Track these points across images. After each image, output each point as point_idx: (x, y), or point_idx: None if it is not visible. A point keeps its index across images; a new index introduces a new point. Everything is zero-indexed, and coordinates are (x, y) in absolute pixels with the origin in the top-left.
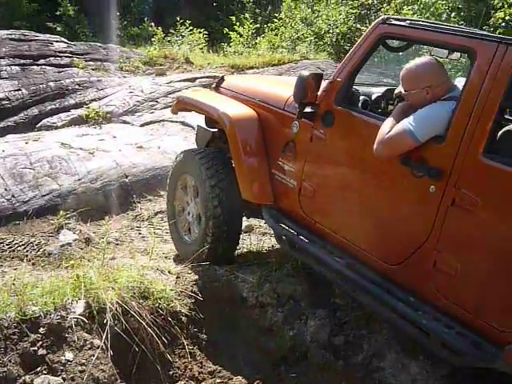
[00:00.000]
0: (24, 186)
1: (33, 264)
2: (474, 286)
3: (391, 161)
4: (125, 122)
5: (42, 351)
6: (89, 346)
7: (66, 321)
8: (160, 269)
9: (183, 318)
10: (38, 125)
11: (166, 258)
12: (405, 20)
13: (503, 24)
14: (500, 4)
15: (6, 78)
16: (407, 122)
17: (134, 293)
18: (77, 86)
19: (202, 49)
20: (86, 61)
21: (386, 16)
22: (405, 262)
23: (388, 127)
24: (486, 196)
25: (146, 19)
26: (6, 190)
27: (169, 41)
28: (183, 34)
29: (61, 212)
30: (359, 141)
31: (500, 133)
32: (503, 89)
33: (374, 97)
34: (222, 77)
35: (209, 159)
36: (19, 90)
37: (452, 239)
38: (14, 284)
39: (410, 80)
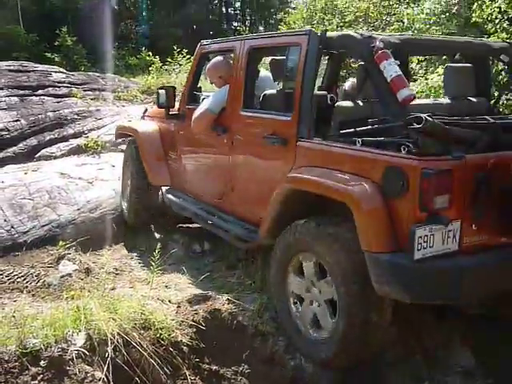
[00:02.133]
0: (23, 217)
1: (32, 295)
2: (251, 195)
3: (208, 132)
4: (123, 151)
5: None
6: (90, 378)
7: (67, 353)
8: (160, 298)
9: (184, 348)
10: (37, 155)
11: (166, 287)
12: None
13: None
14: (493, 29)
15: (4, 108)
16: (206, 103)
17: (135, 323)
18: (75, 116)
19: None
20: (84, 91)
21: (202, 41)
22: (223, 194)
23: (197, 111)
24: (245, 135)
25: (143, 49)
26: (5, 220)
27: (166, 69)
28: (180, 62)
29: (60, 242)
30: None
31: (262, 94)
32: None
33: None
34: (146, 109)
35: None
36: (18, 120)
37: (235, 168)
38: (14, 316)
39: (211, 70)
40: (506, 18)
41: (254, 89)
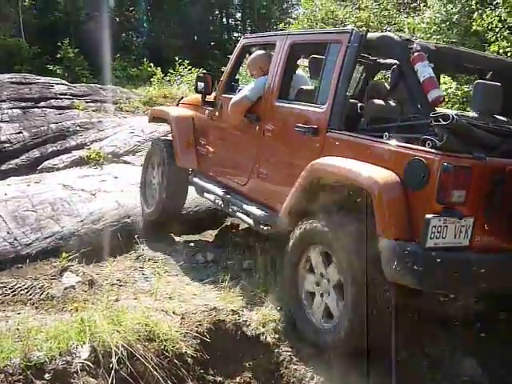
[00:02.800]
0: (26, 229)
1: (36, 308)
2: (277, 182)
3: (242, 118)
4: (126, 162)
5: None
6: None
7: (72, 366)
8: (165, 310)
9: (189, 360)
10: (40, 167)
11: (170, 298)
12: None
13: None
14: (493, 38)
15: (7, 121)
16: (245, 90)
17: (140, 335)
18: (77, 128)
19: None
20: (86, 102)
21: (245, 34)
22: (248, 180)
23: (236, 96)
24: (277, 124)
25: (145, 60)
26: (8, 233)
27: (168, 80)
28: (182, 73)
29: (63, 254)
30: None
31: (298, 88)
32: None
33: None
34: (182, 97)
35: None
36: (20, 132)
37: (264, 156)
38: (17, 329)
39: (251, 62)
40: (506, 26)
41: (290, 82)
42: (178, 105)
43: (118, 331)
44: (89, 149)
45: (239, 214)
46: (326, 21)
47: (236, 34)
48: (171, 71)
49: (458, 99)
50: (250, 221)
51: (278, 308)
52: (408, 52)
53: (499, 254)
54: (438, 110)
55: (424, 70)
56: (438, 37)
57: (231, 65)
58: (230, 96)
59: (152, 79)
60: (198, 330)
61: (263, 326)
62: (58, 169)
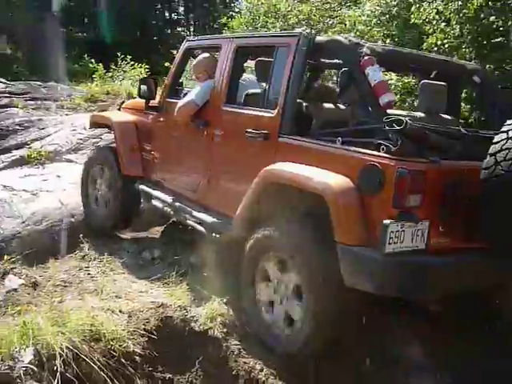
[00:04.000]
0: None
1: None
2: (228, 188)
3: (187, 123)
4: (69, 161)
5: None
6: None
7: (14, 371)
8: (111, 309)
9: (137, 358)
10: None
11: (116, 296)
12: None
13: (435, 48)
14: (431, 30)
15: None
16: (191, 94)
17: (85, 336)
18: (17, 127)
19: None
20: (25, 100)
21: (188, 37)
22: (198, 187)
23: (182, 100)
24: (226, 129)
25: (86, 56)
26: None
27: (111, 76)
28: (124, 69)
29: (5, 257)
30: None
31: (245, 92)
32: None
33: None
34: (123, 101)
35: None
36: None
37: (213, 162)
38: None
39: (196, 65)
40: (442, 19)
41: (237, 86)
42: (119, 109)
43: (62, 333)
44: (29, 148)
45: (190, 222)
46: (268, 14)
47: (179, 29)
48: (113, 67)
49: (398, 90)
50: (202, 228)
51: (225, 302)
52: (358, 56)
53: (455, 255)
54: (391, 113)
55: (374, 74)
56: (379, 29)
57: (175, 68)
58: (175, 100)
59: (94, 76)
60: (145, 328)
61: (211, 321)
62: None
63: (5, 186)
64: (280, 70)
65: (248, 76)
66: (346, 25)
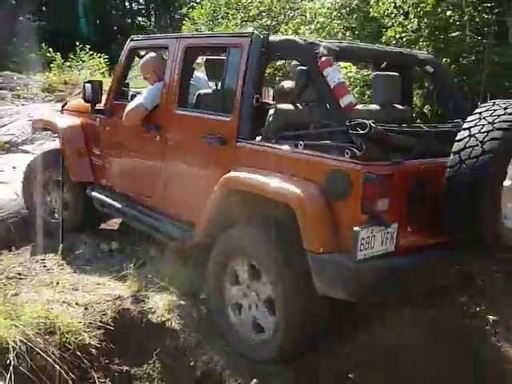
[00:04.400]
0: None
1: None
2: (186, 195)
3: (138, 126)
4: (24, 152)
5: None
6: None
7: None
8: (67, 301)
9: (93, 351)
10: None
11: (73, 289)
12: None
13: (394, 42)
14: (390, 23)
15: None
16: (140, 98)
17: (40, 329)
18: None
19: (103, 73)
20: None
21: (132, 36)
22: (154, 192)
23: (131, 104)
24: (180, 134)
25: (43, 44)
26: None
27: (69, 66)
28: (83, 58)
29: None
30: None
31: (197, 93)
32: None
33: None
34: (65, 102)
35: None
36: None
37: (168, 167)
38: None
39: (144, 66)
40: (401, 12)
41: (188, 88)
42: (62, 111)
43: (15, 326)
44: None
45: (148, 230)
46: (229, 5)
47: (140, 19)
48: (72, 56)
49: (358, 83)
50: (162, 236)
51: (183, 294)
52: (314, 56)
53: (424, 252)
54: (350, 115)
55: (333, 76)
56: (339, 22)
57: (120, 69)
58: (122, 103)
59: (52, 65)
60: (101, 320)
61: (169, 313)
62: None
63: None
64: (233, 73)
65: (197, 74)
66: (306, 17)
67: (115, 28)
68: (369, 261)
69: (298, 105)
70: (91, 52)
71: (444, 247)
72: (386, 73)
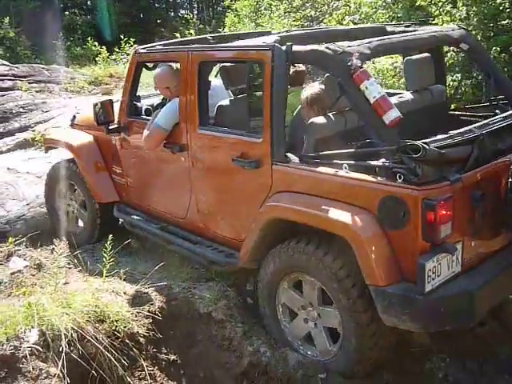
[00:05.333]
0: None
1: None
2: (221, 218)
3: (160, 149)
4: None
5: None
6: (45, 375)
7: (20, 351)
8: (115, 291)
9: (141, 339)
10: None
11: (120, 279)
12: (150, 48)
13: None
14: (437, 12)
15: None
16: (156, 120)
17: (90, 317)
18: (21, 109)
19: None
20: (29, 83)
21: (136, 48)
22: (187, 214)
23: (148, 127)
24: (207, 155)
25: (89, 38)
26: None
27: (114, 59)
28: (128, 51)
29: (10, 239)
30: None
31: (217, 106)
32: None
33: (155, 105)
34: (74, 116)
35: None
36: None
37: (199, 189)
38: None
39: (156, 81)
40: (449, 0)
41: (208, 104)
42: (71, 126)
43: (67, 314)
44: (33, 131)
45: (186, 253)
46: None
47: (182, 11)
48: (117, 50)
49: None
50: (201, 260)
51: (230, 285)
52: (347, 67)
53: (489, 264)
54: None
55: (373, 90)
56: (384, 11)
57: (129, 84)
58: (137, 120)
59: (97, 58)
60: (149, 309)
61: (215, 303)
62: (1, 152)
63: (9, 169)
64: (257, 90)
65: (214, 83)
66: (350, 7)
67: (158, 21)
68: (438, 290)
69: (331, 115)
70: (135, 45)
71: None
72: (417, 57)
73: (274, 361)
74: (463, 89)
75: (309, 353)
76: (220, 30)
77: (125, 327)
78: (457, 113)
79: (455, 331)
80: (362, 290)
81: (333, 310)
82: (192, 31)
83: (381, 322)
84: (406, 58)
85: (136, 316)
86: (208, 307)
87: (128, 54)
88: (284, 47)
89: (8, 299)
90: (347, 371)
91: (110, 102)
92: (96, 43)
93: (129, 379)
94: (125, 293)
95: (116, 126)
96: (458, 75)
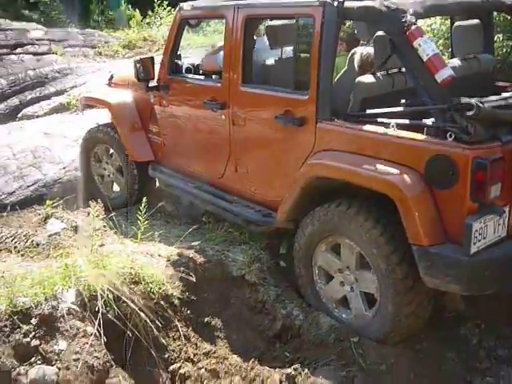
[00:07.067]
0: (8, 178)
1: (22, 255)
2: (260, 177)
3: (200, 104)
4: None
5: (35, 342)
6: (82, 333)
7: (58, 310)
8: (150, 253)
9: (175, 301)
10: (19, 115)
11: (155, 241)
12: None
13: None
14: None
15: None
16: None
17: (125, 278)
18: (56, 74)
19: None
20: (64, 47)
21: (181, 4)
22: (224, 172)
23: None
24: (249, 113)
25: (122, 2)
26: None
27: (147, 23)
28: (161, 15)
29: (47, 201)
30: (186, 96)
31: (262, 64)
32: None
33: (196, 64)
34: (112, 75)
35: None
36: None
37: (238, 147)
38: (3, 276)
39: None
40: None
41: (252, 62)
42: (109, 84)
43: (103, 275)
44: (69, 95)
45: (222, 213)
46: None
47: None
48: (150, 13)
49: (442, 34)
50: (238, 220)
51: (263, 248)
52: (400, 25)
53: None
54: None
55: (426, 47)
56: None
57: (171, 42)
58: (177, 78)
59: (131, 22)
60: (183, 272)
61: (249, 266)
62: (38, 116)
63: (45, 133)
64: (305, 46)
65: (258, 39)
66: None
67: None
68: (483, 252)
69: (379, 75)
70: (169, 8)
71: None
72: (467, 23)
73: (306, 324)
74: (504, 50)
75: (343, 316)
76: None
77: (159, 289)
78: (502, 83)
79: (491, 297)
80: (401, 257)
81: (371, 276)
82: None
83: (419, 289)
84: (455, 24)
85: (170, 278)
86: (241, 270)
87: (161, 18)
88: (335, 3)
89: (46, 260)
90: (381, 337)
91: (151, 59)
92: (130, 6)
93: (163, 340)
94: (159, 255)
95: (156, 83)
96: (500, 35)
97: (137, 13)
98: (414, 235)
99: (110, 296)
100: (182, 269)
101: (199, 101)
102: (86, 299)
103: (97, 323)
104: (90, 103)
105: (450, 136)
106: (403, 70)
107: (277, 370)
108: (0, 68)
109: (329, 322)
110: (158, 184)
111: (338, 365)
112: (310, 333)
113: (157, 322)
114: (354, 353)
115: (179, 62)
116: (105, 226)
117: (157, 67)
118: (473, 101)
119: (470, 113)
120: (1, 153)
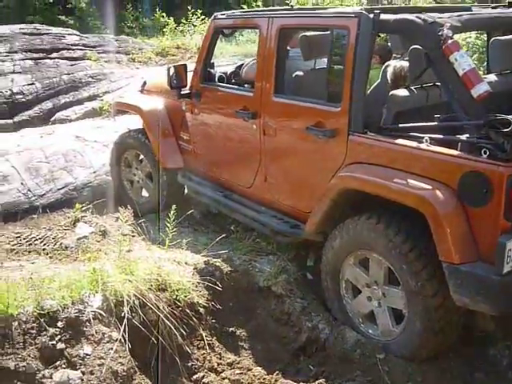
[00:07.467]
0: (40, 180)
1: (50, 258)
2: (289, 188)
3: (232, 113)
4: None
5: (60, 345)
6: (107, 339)
7: (84, 314)
8: (177, 260)
9: (201, 309)
10: (52, 118)
11: (182, 249)
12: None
13: None
14: None
15: (19, 72)
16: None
17: (151, 285)
18: (90, 79)
19: None
20: (98, 53)
21: (215, 14)
22: (253, 182)
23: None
24: (280, 123)
25: (157, 10)
26: (22, 184)
27: (181, 31)
28: (195, 23)
29: (77, 205)
30: (218, 104)
31: (294, 75)
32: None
33: (228, 72)
34: (145, 81)
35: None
36: (33, 83)
37: (269, 157)
38: (31, 278)
39: None
40: None
41: (284, 73)
42: (141, 91)
43: (130, 281)
44: (101, 100)
45: (249, 222)
46: None
47: None
48: (184, 21)
49: (477, 48)
50: (265, 230)
51: (290, 259)
52: (437, 38)
53: None
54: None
55: (463, 62)
56: None
57: (205, 50)
58: (210, 86)
59: (165, 29)
60: (210, 280)
61: (275, 277)
62: (70, 120)
63: (77, 137)
64: (339, 57)
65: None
66: None
67: None
68: None
69: (413, 89)
70: (203, 17)
71: None
72: (504, 37)
73: (332, 338)
74: None
75: (370, 331)
76: (287, 1)
77: (185, 297)
78: None
79: None
80: (432, 274)
81: (399, 291)
82: (259, 3)
83: (448, 307)
84: (492, 38)
85: (196, 286)
86: (268, 281)
87: (195, 26)
88: (371, 15)
89: (74, 264)
90: (408, 354)
91: (184, 66)
92: (164, 14)
93: (187, 348)
94: (186, 263)
95: (188, 91)
96: None
97: (171, 20)
98: (444, 252)
99: (136, 302)
100: (208, 277)
101: (231, 110)
102: (113, 304)
103: (122, 329)
104: (122, 109)
105: (485, 152)
106: (438, 83)
107: (301, 383)
108: (35, 72)
109: (355, 337)
110: (186, 191)
111: (363, 381)
112: (335, 347)
113: (181, 329)
114: (379, 369)
115: (212, 71)
116: (133, 232)
117: (189, 75)
118: (509, 117)
119: (506, 129)
120: (33, 155)
